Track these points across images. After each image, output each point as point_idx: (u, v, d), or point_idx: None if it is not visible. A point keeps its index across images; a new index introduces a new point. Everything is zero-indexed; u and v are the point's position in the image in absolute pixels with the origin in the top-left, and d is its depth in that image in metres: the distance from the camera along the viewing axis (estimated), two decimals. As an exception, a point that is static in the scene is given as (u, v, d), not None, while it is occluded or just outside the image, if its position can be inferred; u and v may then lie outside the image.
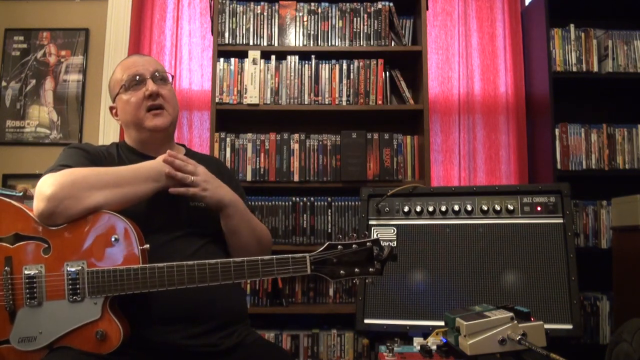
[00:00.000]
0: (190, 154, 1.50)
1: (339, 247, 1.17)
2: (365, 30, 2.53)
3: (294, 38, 2.53)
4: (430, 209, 1.73)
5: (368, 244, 1.17)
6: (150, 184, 1.23)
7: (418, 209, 1.75)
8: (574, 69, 2.56)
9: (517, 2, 2.82)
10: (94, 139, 2.70)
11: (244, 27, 2.51)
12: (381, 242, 1.18)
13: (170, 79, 1.46)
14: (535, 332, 1.06)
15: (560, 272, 1.61)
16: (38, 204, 1.13)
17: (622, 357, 1.60)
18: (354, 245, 1.17)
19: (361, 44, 2.52)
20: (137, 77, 1.38)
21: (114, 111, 1.46)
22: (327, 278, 1.16)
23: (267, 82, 2.47)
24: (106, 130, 2.72)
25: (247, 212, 1.40)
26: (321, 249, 1.17)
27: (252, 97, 2.44)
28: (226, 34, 2.49)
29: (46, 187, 1.13)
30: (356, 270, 1.17)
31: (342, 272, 1.16)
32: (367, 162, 2.44)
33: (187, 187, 1.26)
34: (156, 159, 1.29)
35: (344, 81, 2.49)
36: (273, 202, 2.43)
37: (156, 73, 1.41)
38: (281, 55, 2.50)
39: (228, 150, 2.44)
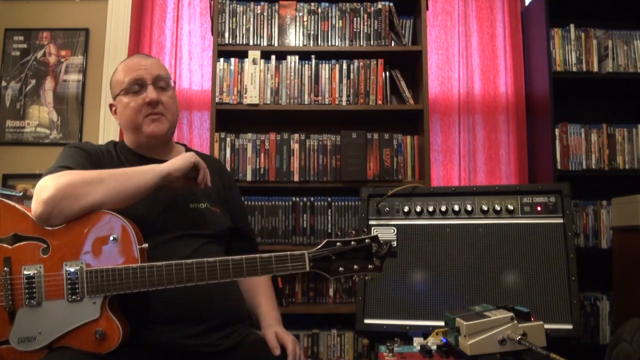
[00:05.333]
0: (188, 149, 1.51)
1: (338, 244, 1.16)
2: (365, 30, 2.53)
3: (294, 38, 2.53)
4: (430, 209, 1.73)
5: (367, 240, 1.17)
6: (148, 174, 1.22)
7: (418, 209, 1.75)
8: (574, 69, 2.56)
9: (517, 2, 2.82)
10: (94, 139, 2.70)
11: (244, 27, 2.51)
12: (380, 238, 1.18)
13: (172, 84, 1.45)
14: (535, 332, 1.06)
15: (560, 272, 1.61)
16: (36, 207, 1.13)
17: (622, 357, 1.60)
18: (352, 242, 1.17)
19: (361, 44, 2.52)
20: (139, 81, 1.37)
21: (113, 109, 1.45)
22: (326, 275, 1.17)
23: (267, 82, 2.47)
24: (106, 130, 2.72)
25: None
26: (320, 246, 1.17)
27: (252, 97, 2.44)
28: (226, 34, 2.49)
29: (43, 190, 1.13)
30: (355, 267, 1.17)
31: (341, 269, 1.16)
32: (367, 162, 2.43)
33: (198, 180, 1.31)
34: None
35: (344, 81, 2.49)
36: (273, 202, 2.43)
37: (158, 79, 1.39)
38: (281, 55, 2.49)
39: (228, 150, 2.44)
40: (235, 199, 1.57)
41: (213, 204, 1.43)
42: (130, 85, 1.37)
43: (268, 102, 2.46)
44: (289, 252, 1.16)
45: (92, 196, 1.14)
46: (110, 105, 1.46)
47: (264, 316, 1.44)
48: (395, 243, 1.71)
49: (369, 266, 1.17)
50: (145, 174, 1.21)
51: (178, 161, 1.26)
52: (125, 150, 1.43)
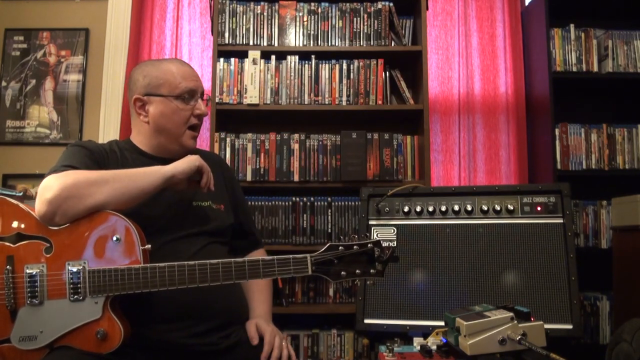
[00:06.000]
0: (192, 150, 1.51)
1: (340, 247, 1.17)
2: (365, 30, 2.53)
3: (294, 38, 2.53)
4: (430, 209, 1.74)
5: (369, 245, 1.17)
6: (153, 175, 1.22)
7: (418, 209, 1.75)
8: (574, 69, 2.56)
9: (517, 2, 2.82)
10: (94, 139, 2.65)
11: (244, 27, 2.51)
12: (382, 243, 1.18)
13: None
14: (535, 332, 1.07)
15: (560, 272, 1.61)
16: (40, 207, 1.13)
17: (622, 357, 1.60)
18: (355, 247, 1.17)
19: (361, 44, 2.52)
20: (193, 92, 1.39)
21: (139, 104, 1.38)
22: (328, 279, 1.17)
23: (267, 82, 2.47)
24: (106, 130, 2.72)
25: None
26: (322, 249, 1.17)
27: (252, 97, 2.44)
28: (226, 34, 2.49)
29: (48, 189, 1.13)
30: (357, 271, 1.17)
31: (343, 273, 1.16)
32: (367, 162, 2.44)
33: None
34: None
35: (344, 81, 2.49)
36: (273, 202, 2.43)
37: (203, 93, 1.44)
38: (281, 55, 2.50)
39: (228, 150, 2.44)
40: (236, 195, 1.57)
41: (216, 201, 1.43)
42: (184, 93, 1.37)
43: (268, 102, 2.47)
44: (291, 256, 1.16)
45: (96, 197, 1.14)
46: (139, 100, 1.38)
47: (252, 310, 1.45)
48: (395, 243, 1.72)
49: (371, 271, 1.17)
50: (149, 175, 1.21)
51: (182, 164, 1.26)
52: (132, 149, 1.42)
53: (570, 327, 1.56)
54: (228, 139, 2.44)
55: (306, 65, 2.49)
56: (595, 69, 2.56)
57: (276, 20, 2.53)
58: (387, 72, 2.56)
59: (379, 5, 2.53)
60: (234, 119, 2.62)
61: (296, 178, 2.43)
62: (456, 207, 1.73)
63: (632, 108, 2.74)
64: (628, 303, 2.10)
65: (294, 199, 2.44)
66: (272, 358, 1.28)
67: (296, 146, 2.45)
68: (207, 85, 2.72)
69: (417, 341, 1.29)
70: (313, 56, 2.50)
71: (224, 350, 1.27)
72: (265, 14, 2.53)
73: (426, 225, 1.73)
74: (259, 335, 1.33)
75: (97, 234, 1.14)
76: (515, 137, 2.74)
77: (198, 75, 1.45)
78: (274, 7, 2.53)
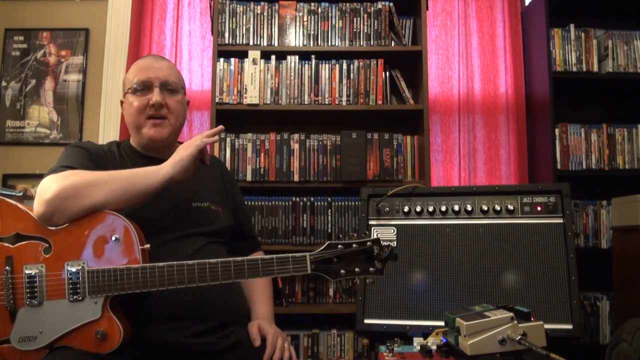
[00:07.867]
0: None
1: (340, 246, 1.17)
2: (365, 30, 2.53)
3: (294, 38, 2.53)
4: (430, 209, 1.73)
5: (368, 243, 1.17)
6: (151, 177, 1.21)
7: (418, 209, 1.75)
8: (574, 69, 2.56)
9: (517, 2, 2.82)
10: (94, 139, 2.70)
11: (244, 27, 2.51)
12: (381, 241, 1.18)
13: (182, 89, 1.44)
14: (535, 332, 1.06)
15: (560, 272, 1.61)
16: (38, 207, 1.13)
17: (622, 357, 1.60)
18: (354, 245, 1.17)
19: (361, 44, 2.52)
20: (147, 82, 1.37)
21: (123, 105, 1.45)
22: (327, 277, 1.17)
23: (267, 82, 2.47)
24: (106, 130, 2.72)
25: None
26: (321, 248, 1.17)
27: (252, 97, 2.44)
28: (226, 34, 2.49)
29: (46, 190, 1.13)
30: (357, 269, 1.17)
31: (342, 271, 1.16)
32: (367, 162, 2.43)
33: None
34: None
35: (344, 81, 2.49)
36: (273, 202, 2.43)
37: (166, 82, 1.39)
38: (281, 55, 2.50)
39: (228, 150, 2.44)
40: (236, 198, 1.57)
41: (215, 202, 1.43)
42: (137, 85, 1.37)
43: (268, 102, 2.46)
44: (290, 254, 1.16)
45: (94, 197, 1.14)
46: (121, 102, 1.45)
47: (254, 311, 1.45)
48: (395, 243, 1.71)
49: (370, 269, 1.17)
50: (148, 177, 1.21)
51: (181, 163, 1.24)
52: (129, 150, 1.43)
53: (570, 327, 1.56)
54: (228, 139, 2.44)
55: (306, 65, 2.49)
56: (595, 69, 2.56)
57: (276, 20, 2.53)
58: (387, 72, 2.55)
59: (379, 5, 2.53)
60: (233, 119, 2.62)
61: (296, 178, 2.43)
62: (456, 207, 1.72)
63: (632, 108, 2.74)
64: (628, 303, 2.10)
65: (294, 199, 2.43)
66: (274, 359, 1.28)
67: (296, 146, 2.45)
68: (207, 85, 2.73)
69: (417, 341, 1.29)
70: (313, 56, 2.50)
71: (223, 350, 1.27)
72: (265, 14, 2.52)
73: (426, 225, 1.73)
74: (262, 336, 1.33)
75: (96, 234, 1.14)
76: (515, 137, 2.74)
77: (160, 67, 1.40)
78: (274, 7, 2.53)
